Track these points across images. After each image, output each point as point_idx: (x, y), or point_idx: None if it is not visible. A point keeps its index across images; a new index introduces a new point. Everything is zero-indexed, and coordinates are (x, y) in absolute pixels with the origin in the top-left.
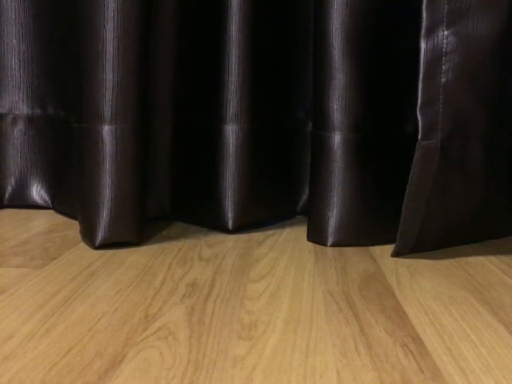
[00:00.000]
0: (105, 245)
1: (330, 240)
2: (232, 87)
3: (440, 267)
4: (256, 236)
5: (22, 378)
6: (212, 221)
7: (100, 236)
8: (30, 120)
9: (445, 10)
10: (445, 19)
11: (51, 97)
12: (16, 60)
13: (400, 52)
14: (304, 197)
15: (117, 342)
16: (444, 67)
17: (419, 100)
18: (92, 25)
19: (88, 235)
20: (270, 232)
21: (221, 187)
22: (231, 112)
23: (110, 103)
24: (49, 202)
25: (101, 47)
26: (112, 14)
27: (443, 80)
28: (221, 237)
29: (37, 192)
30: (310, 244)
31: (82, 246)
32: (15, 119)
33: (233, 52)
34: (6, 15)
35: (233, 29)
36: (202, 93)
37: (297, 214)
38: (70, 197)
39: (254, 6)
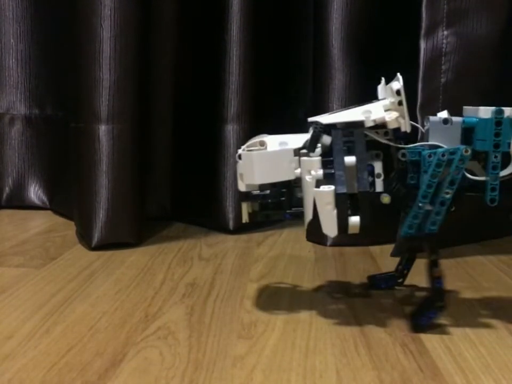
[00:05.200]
0: (102, 246)
1: (330, 240)
2: (233, 87)
3: None
4: (256, 236)
5: (22, 378)
6: (212, 221)
7: (96, 237)
8: (28, 120)
9: (445, 10)
10: (444, 19)
11: (49, 97)
12: (13, 60)
13: (400, 51)
14: None
15: (117, 341)
16: (443, 67)
17: (419, 100)
18: (89, 24)
19: (84, 236)
20: (270, 232)
21: (222, 187)
22: (232, 112)
23: (107, 103)
24: (47, 203)
25: (98, 46)
26: (109, 12)
27: (443, 80)
28: (220, 237)
29: (34, 192)
30: (310, 243)
31: (82, 246)
32: (12, 119)
33: (234, 51)
34: (4, 14)
35: (234, 28)
36: (202, 92)
37: None
38: (68, 198)
39: (255, 6)
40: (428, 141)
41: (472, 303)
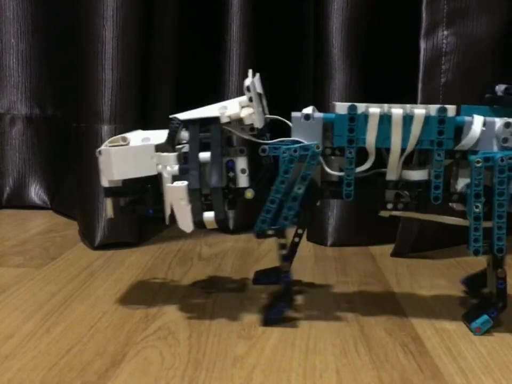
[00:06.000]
0: (104, 245)
1: (330, 240)
2: (233, 87)
3: (440, 267)
4: None
5: (23, 378)
6: None
7: (99, 236)
8: (28, 120)
9: (445, 10)
10: (444, 19)
11: (50, 97)
12: (14, 60)
13: (400, 51)
14: None
15: (117, 341)
16: (443, 67)
17: (419, 100)
18: (91, 25)
19: (87, 235)
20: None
21: None
22: None
23: (109, 103)
24: (48, 203)
25: (100, 47)
26: (112, 13)
27: (443, 80)
28: (220, 236)
29: (35, 192)
30: (310, 243)
31: (82, 245)
32: (13, 119)
33: (234, 51)
34: (4, 15)
35: (234, 28)
36: (203, 92)
37: None
38: (69, 197)
39: (255, 6)
40: (291, 137)
41: (472, 303)
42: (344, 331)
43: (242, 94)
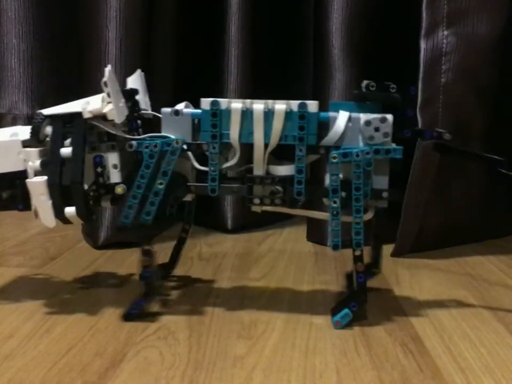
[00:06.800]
0: (106, 245)
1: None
2: (232, 87)
3: (440, 267)
4: (256, 235)
5: (23, 378)
6: (211, 221)
7: (102, 236)
8: (30, 120)
9: (445, 10)
10: (444, 19)
11: (51, 97)
12: (16, 60)
13: (400, 51)
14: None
15: (117, 341)
16: (443, 67)
17: (419, 100)
18: (95, 25)
19: (90, 235)
20: (270, 232)
21: None
22: None
23: None
24: None
25: (103, 48)
26: (115, 14)
27: (443, 80)
28: (220, 236)
29: None
30: (310, 243)
31: (82, 245)
32: (14, 119)
33: (233, 51)
34: (6, 15)
35: (233, 29)
36: (202, 92)
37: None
38: None
39: (254, 6)
40: (162, 132)
41: (472, 303)
42: (344, 331)
43: (240, 93)
